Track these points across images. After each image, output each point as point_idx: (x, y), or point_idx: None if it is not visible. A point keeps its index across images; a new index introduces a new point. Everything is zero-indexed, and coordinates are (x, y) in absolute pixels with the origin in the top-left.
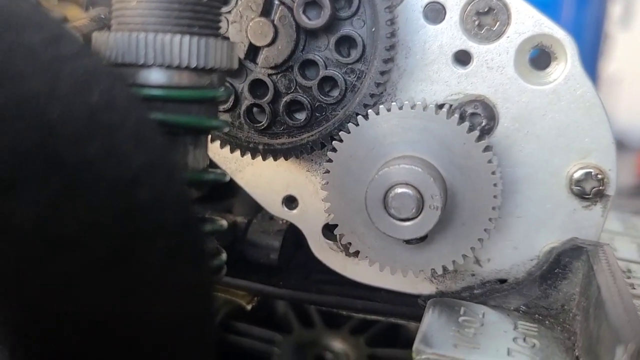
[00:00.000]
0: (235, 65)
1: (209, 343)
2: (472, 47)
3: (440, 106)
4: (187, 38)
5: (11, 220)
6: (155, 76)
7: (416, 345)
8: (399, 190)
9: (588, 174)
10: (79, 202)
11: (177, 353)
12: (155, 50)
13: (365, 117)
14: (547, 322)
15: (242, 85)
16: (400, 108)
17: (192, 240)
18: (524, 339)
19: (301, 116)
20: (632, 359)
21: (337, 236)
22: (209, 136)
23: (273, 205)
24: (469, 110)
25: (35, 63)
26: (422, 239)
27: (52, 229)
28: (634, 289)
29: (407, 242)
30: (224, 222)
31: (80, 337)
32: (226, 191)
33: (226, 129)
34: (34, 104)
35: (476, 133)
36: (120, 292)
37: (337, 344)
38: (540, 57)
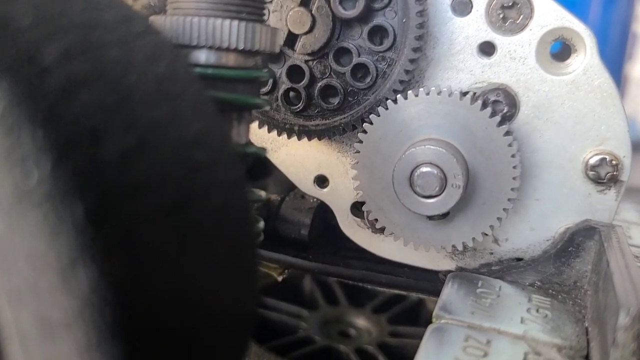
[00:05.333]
0: (278, 49)
1: (254, 295)
2: (497, 38)
3: (465, 93)
4: (235, 23)
5: (97, 165)
6: (206, 56)
7: (436, 311)
8: (424, 169)
9: (603, 160)
10: (150, 155)
11: (225, 300)
12: (207, 33)
13: (395, 101)
14: (559, 296)
15: (281, 70)
16: (427, 94)
17: (241, 198)
18: (537, 310)
19: (334, 100)
20: (633, 320)
21: (365, 213)
22: (251, 114)
23: (305, 183)
24: (492, 97)
25: (112, 36)
26: (444, 215)
27: (129, 174)
28: None
29: (430, 218)
30: (263, 193)
31: (142, 273)
32: (261, 172)
33: (267, 107)
34: (114, 70)
35: (498, 118)
36: (180, 236)
37: (361, 321)
38: (560, 50)
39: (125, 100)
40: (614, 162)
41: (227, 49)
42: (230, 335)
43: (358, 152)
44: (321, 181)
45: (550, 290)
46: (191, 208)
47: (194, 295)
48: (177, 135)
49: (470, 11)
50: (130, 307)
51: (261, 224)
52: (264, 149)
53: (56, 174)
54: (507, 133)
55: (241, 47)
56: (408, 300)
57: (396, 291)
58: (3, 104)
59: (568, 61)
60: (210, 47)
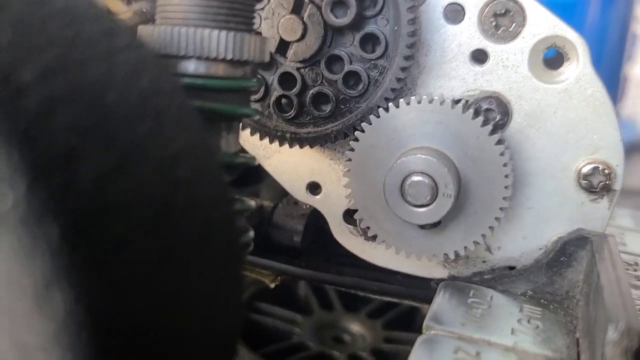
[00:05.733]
0: (267, 59)
1: (239, 306)
2: (489, 46)
3: (457, 101)
4: (224, 33)
5: (73, 186)
6: (194, 67)
7: (426, 322)
8: (415, 178)
9: (596, 169)
10: (130, 174)
11: (208, 316)
12: (195, 44)
13: (386, 109)
14: (551, 306)
15: (272, 78)
16: (419, 102)
17: (225, 215)
18: (528, 321)
19: (326, 107)
20: (621, 335)
21: (357, 220)
22: (241, 123)
23: (298, 190)
24: (484, 106)
25: (94, 52)
26: (436, 224)
27: (107, 195)
28: (639, 280)
29: (422, 227)
30: (253, 203)
31: (120, 295)
32: (254, 177)
33: (257, 117)
34: (93, 89)
35: (489, 127)
36: (160, 256)
37: (355, 327)
38: (553, 58)
39: (105, 120)
40: (606, 171)
41: (216, 59)
42: (214, 351)
43: (350, 160)
44: (314, 188)
45: (542, 300)
46: (172, 226)
47: (175, 314)
48: (160, 152)
49: (463, 19)
50: (108, 330)
51: (251, 234)
52: (253, 158)
53: (31, 196)
54: (499, 142)
55: (230, 57)
56: (403, 306)
57: (388, 299)
58: None
59: (561, 69)
60: (199, 58)
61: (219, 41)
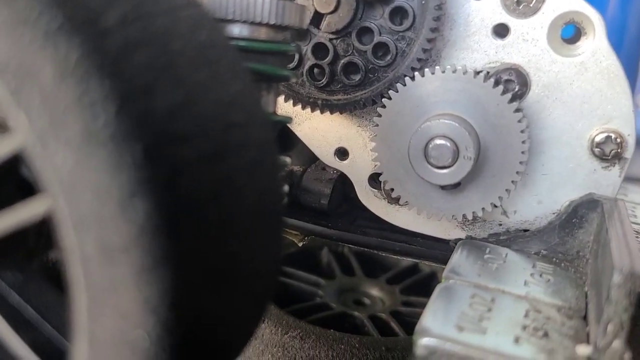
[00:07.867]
0: (305, 26)
1: (280, 241)
2: (510, 21)
3: (479, 72)
4: None
5: (151, 114)
6: (240, 30)
7: (445, 273)
8: (438, 141)
9: (608, 138)
10: (194, 110)
11: (256, 241)
12: (241, 8)
13: (412, 78)
14: (562, 264)
15: (306, 48)
16: (443, 72)
17: (270, 157)
18: (541, 275)
19: (356, 76)
20: (625, 279)
21: (382, 183)
22: (279, 85)
23: (326, 156)
24: (504, 77)
25: (160, 7)
26: (456, 185)
27: (176, 125)
28: None
29: (443, 188)
30: (288, 159)
31: (188, 207)
32: (286, 144)
33: (293, 79)
34: (162, 36)
35: (509, 95)
36: (218, 182)
37: (375, 291)
38: (573, 34)
39: (173, 63)
40: (618, 139)
41: (259, 24)
42: (262, 272)
43: (377, 125)
44: (341, 154)
45: (554, 259)
46: (227, 160)
47: (230, 233)
48: (217, 96)
49: None
50: (179, 235)
51: (285, 187)
52: (290, 118)
53: (119, 118)
54: (518, 110)
55: (272, 22)
56: (421, 273)
57: (409, 259)
58: (76, 56)
59: (578, 43)
60: (244, 21)
61: (263, 7)
